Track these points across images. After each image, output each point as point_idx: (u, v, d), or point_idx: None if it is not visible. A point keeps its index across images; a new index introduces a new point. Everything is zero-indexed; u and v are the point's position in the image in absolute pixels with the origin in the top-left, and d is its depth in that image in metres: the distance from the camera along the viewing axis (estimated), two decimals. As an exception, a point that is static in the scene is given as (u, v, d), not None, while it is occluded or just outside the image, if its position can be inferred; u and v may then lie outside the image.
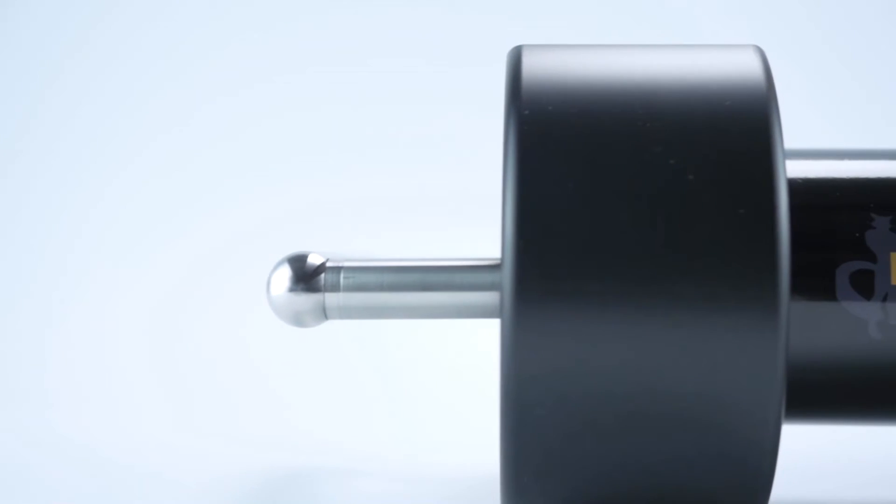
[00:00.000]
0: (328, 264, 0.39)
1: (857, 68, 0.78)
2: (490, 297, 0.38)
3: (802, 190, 0.39)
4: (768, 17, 0.79)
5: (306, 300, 0.38)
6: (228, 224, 0.71)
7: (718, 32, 0.76)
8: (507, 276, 0.35)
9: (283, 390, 0.58)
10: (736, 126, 0.35)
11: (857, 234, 0.38)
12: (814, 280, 0.38)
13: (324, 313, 0.39)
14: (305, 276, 0.38)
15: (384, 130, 0.74)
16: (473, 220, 0.57)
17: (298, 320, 0.39)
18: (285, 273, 0.38)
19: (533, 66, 0.37)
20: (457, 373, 0.59)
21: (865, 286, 0.37)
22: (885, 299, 0.37)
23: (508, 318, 0.35)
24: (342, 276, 0.38)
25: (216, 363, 0.61)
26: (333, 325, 0.43)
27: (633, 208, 0.35)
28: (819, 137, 0.65)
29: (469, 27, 0.77)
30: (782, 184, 0.35)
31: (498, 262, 0.36)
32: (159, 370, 0.61)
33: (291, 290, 0.38)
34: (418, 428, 0.53)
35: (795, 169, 0.39)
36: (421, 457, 0.49)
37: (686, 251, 0.34)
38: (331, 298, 0.38)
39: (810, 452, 0.47)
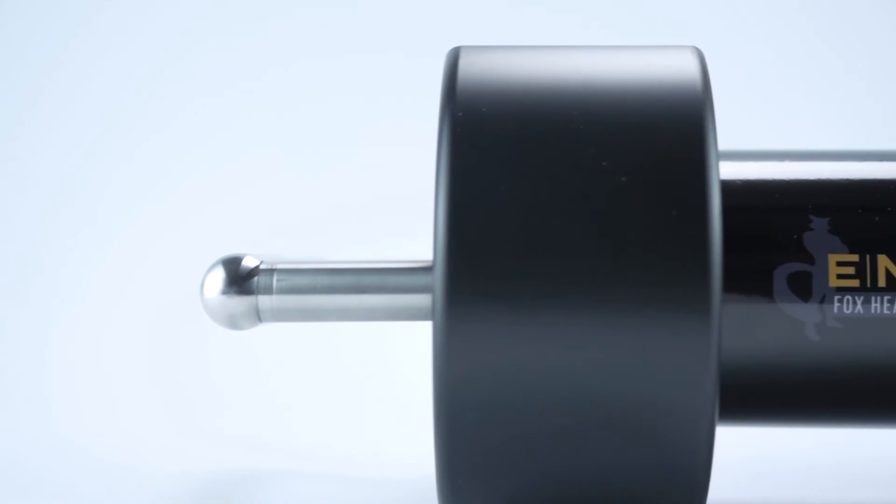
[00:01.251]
0: (262, 266, 0.38)
1: (846, 68, 0.78)
2: (423, 300, 0.38)
3: (741, 191, 0.38)
4: (767, 18, 0.79)
5: (239, 303, 0.38)
6: (227, 226, 0.71)
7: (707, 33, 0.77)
8: (438, 279, 0.34)
9: (276, 391, 0.58)
10: (670, 128, 0.35)
11: (795, 236, 0.38)
12: (751, 282, 0.37)
13: (257, 316, 0.38)
14: (238, 279, 0.38)
15: (352, 133, 0.74)
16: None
17: (232, 323, 0.38)
18: (218, 275, 0.38)
19: (469, 68, 0.37)
20: (417, 372, 0.58)
21: (803, 288, 0.37)
22: (822, 301, 0.37)
23: (440, 320, 0.34)
24: (275, 278, 0.38)
25: (215, 364, 0.61)
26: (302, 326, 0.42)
27: (565, 210, 0.34)
28: (810, 138, 0.65)
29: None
30: (715, 185, 0.35)
31: (431, 264, 0.36)
32: (158, 372, 0.61)
33: (224, 292, 0.38)
34: (367, 429, 0.53)
35: (733, 170, 0.39)
36: (367, 458, 0.49)
37: (618, 253, 0.34)
38: (264, 301, 0.38)
39: (750, 454, 0.47)
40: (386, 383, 0.58)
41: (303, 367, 0.60)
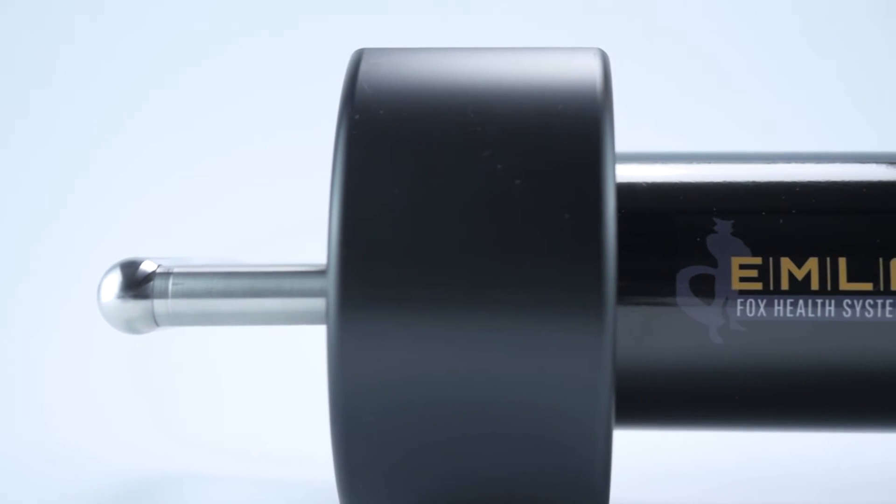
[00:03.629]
0: (158, 270, 0.38)
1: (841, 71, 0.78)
2: (319, 304, 0.37)
3: (644, 194, 0.38)
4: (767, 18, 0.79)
5: (135, 307, 0.37)
6: (223, 228, 0.70)
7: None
8: (331, 282, 0.34)
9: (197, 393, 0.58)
10: (566, 130, 0.35)
11: (698, 239, 0.37)
12: (654, 285, 0.37)
13: (154, 320, 0.38)
14: (135, 283, 0.37)
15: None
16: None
17: (129, 327, 0.38)
18: (115, 279, 0.37)
19: (370, 70, 0.37)
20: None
21: (706, 291, 0.37)
22: (725, 304, 0.37)
23: (333, 324, 0.34)
24: (171, 282, 0.38)
25: (203, 369, 0.61)
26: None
27: (458, 213, 0.34)
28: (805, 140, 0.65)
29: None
30: (609, 188, 0.34)
31: (325, 267, 0.35)
32: (147, 377, 0.61)
33: (120, 296, 0.37)
34: (277, 432, 0.53)
35: (637, 173, 0.39)
36: (275, 461, 0.49)
37: (511, 256, 0.34)
38: (160, 305, 0.38)
39: (658, 456, 0.47)
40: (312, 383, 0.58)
41: (221, 368, 0.60)
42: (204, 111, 0.76)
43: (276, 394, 0.58)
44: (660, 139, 0.70)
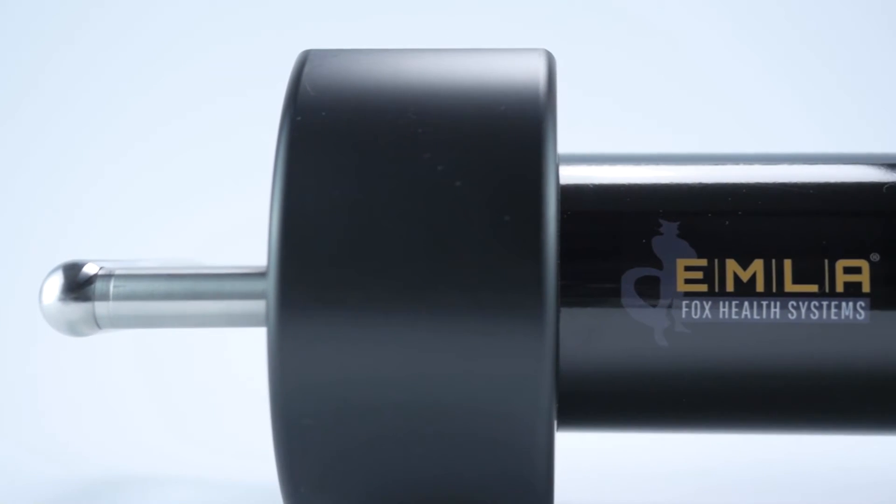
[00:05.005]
0: (100, 272, 0.38)
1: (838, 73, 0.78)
2: (259, 306, 0.37)
3: (590, 196, 0.38)
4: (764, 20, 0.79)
5: (76, 309, 0.37)
6: (219, 229, 0.70)
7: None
8: (271, 285, 0.34)
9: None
10: (508, 131, 0.35)
11: (644, 241, 0.37)
12: (599, 287, 0.37)
13: (96, 322, 0.38)
14: (76, 285, 0.37)
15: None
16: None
17: (72, 329, 0.38)
18: (57, 281, 0.37)
19: (313, 72, 0.37)
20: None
21: (651, 293, 0.37)
22: (670, 306, 0.37)
23: (273, 326, 0.34)
24: (112, 284, 0.37)
25: (204, 372, 0.61)
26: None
27: (398, 216, 0.34)
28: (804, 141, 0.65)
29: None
30: (550, 189, 0.34)
31: (265, 270, 0.35)
32: (149, 378, 0.61)
33: (61, 298, 0.37)
34: (221, 434, 0.53)
35: (583, 174, 0.39)
36: (225, 463, 0.49)
37: (450, 258, 0.34)
38: (101, 307, 0.37)
39: (606, 458, 0.47)
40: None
41: (165, 372, 0.60)
42: (191, 107, 0.76)
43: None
44: (655, 138, 0.70)
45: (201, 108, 0.75)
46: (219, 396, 0.58)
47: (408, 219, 0.34)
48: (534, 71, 0.37)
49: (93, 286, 0.37)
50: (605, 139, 0.70)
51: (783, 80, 0.77)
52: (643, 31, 0.78)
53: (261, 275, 0.37)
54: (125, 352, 0.61)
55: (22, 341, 0.63)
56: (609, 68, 0.77)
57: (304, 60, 0.37)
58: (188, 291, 0.38)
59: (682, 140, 0.72)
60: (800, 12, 0.78)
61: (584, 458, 0.48)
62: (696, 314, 0.37)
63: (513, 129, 0.35)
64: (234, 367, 0.60)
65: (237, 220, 0.68)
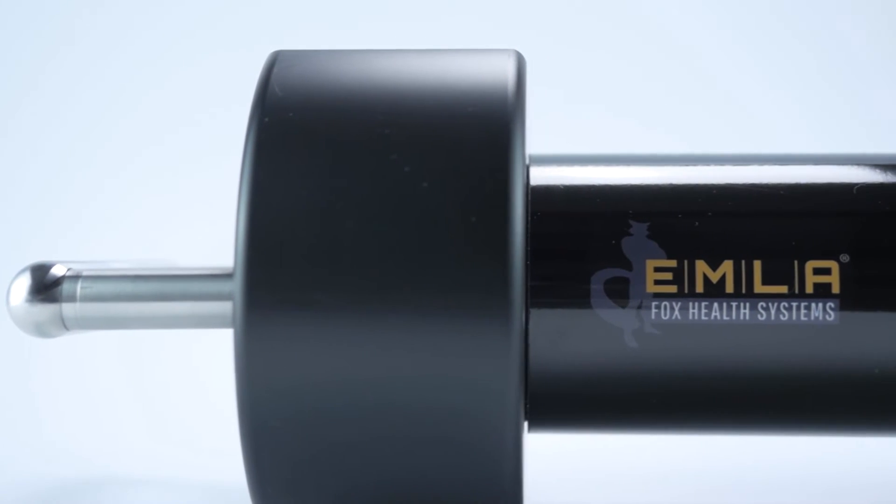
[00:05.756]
0: (67, 273, 0.38)
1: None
2: (226, 307, 0.37)
3: (560, 196, 0.38)
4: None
5: (43, 311, 0.37)
6: (216, 231, 0.70)
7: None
8: (237, 286, 0.34)
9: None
10: (475, 132, 0.35)
11: (614, 242, 0.37)
12: (569, 287, 0.37)
13: (63, 324, 0.38)
14: (43, 286, 0.37)
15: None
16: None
17: (39, 331, 0.38)
18: (24, 282, 0.37)
19: (282, 73, 0.37)
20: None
21: (620, 294, 0.37)
22: (640, 307, 0.37)
23: (239, 327, 0.34)
24: (79, 285, 0.37)
25: (192, 374, 0.61)
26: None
27: (364, 217, 0.34)
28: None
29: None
30: (517, 191, 0.34)
31: (232, 270, 0.35)
32: (137, 379, 0.61)
33: (29, 300, 0.37)
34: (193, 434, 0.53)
35: (553, 175, 0.39)
36: (205, 463, 0.49)
37: (417, 260, 0.34)
38: (68, 309, 0.37)
39: (583, 460, 0.47)
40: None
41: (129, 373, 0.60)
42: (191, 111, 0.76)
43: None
44: (642, 138, 0.70)
45: (173, 107, 0.75)
46: (207, 396, 0.58)
47: (374, 220, 0.34)
48: (502, 72, 0.37)
49: (60, 287, 0.37)
50: (591, 140, 0.70)
51: (774, 79, 0.77)
52: (633, 31, 0.78)
53: (228, 276, 0.37)
54: (108, 350, 0.61)
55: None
56: (595, 69, 0.77)
57: (274, 61, 0.37)
58: (155, 293, 0.38)
59: (670, 141, 0.72)
60: (793, 11, 0.78)
61: (563, 460, 0.48)
62: (665, 315, 0.37)
63: (480, 130, 0.35)
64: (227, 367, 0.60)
65: (212, 220, 0.68)
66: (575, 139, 0.69)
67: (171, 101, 0.76)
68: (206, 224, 0.69)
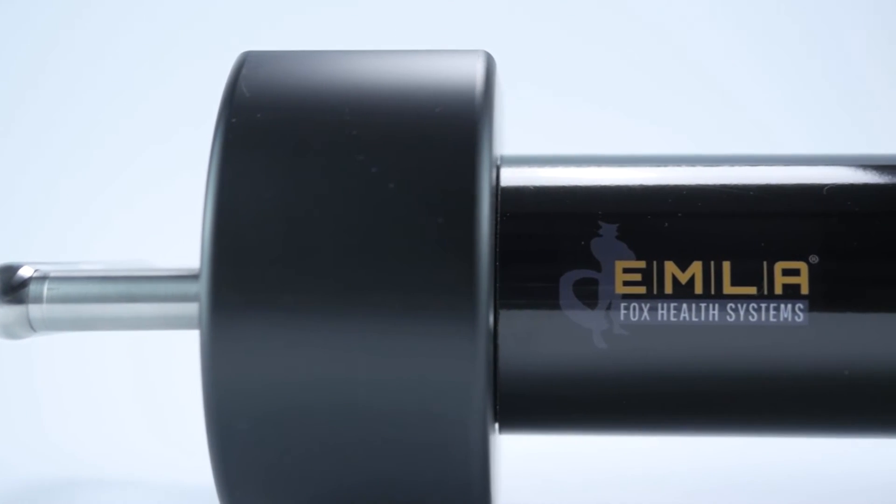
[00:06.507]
0: (35, 275, 0.38)
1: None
2: (192, 308, 0.37)
3: (530, 197, 0.38)
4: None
5: (10, 312, 0.37)
6: (167, 230, 0.69)
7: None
8: (203, 287, 0.34)
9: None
10: (442, 133, 0.35)
11: (583, 243, 0.37)
12: (538, 289, 0.37)
13: (30, 325, 0.37)
14: (10, 288, 0.37)
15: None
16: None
17: (6, 332, 0.37)
18: (-9, 284, 0.37)
19: (250, 74, 0.37)
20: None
21: (589, 295, 0.37)
22: (609, 308, 0.37)
23: (205, 328, 0.34)
24: (46, 287, 0.37)
25: (192, 374, 0.60)
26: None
27: (331, 218, 0.34)
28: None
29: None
30: (484, 192, 0.34)
31: (198, 272, 0.35)
32: (140, 382, 0.61)
33: (-6, 301, 0.37)
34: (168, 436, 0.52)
35: (523, 176, 0.38)
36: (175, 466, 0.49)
37: (384, 261, 0.34)
38: (35, 310, 0.37)
39: (559, 462, 0.47)
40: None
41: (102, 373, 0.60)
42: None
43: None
44: (647, 139, 0.70)
45: (145, 109, 0.75)
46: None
47: (341, 221, 0.34)
48: (471, 73, 0.37)
49: (27, 289, 0.37)
50: (589, 140, 0.70)
51: (774, 79, 0.77)
52: (629, 30, 0.78)
53: (194, 277, 0.37)
54: (108, 350, 0.60)
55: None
56: (593, 68, 0.77)
57: (243, 62, 0.37)
58: (122, 294, 0.37)
59: (667, 140, 0.72)
60: (792, 10, 0.78)
61: (540, 462, 0.48)
62: (634, 316, 0.37)
63: (447, 131, 0.35)
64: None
65: (184, 221, 0.68)
66: (574, 139, 0.69)
67: (169, 100, 0.76)
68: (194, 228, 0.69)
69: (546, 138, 0.61)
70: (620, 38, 0.77)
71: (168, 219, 0.71)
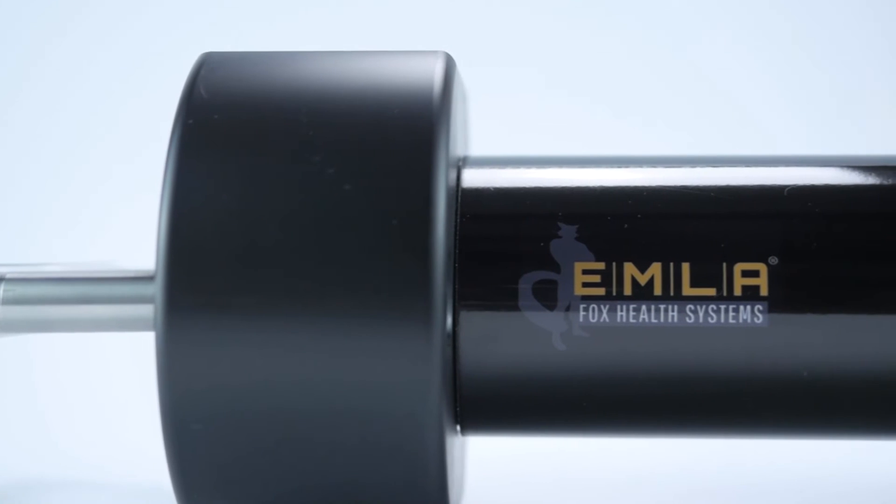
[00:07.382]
0: None
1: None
2: (148, 310, 0.37)
3: (489, 198, 0.38)
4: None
5: None
6: (129, 232, 0.69)
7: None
8: (158, 289, 0.34)
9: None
10: (399, 134, 0.35)
11: (542, 244, 0.37)
12: (497, 290, 0.37)
13: None
14: (-34, 289, 0.37)
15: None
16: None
17: None
18: (-53, 286, 0.37)
19: (209, 75, 0.37)
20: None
21: (548, 296, 0.37)
22: (568, 309, 0.37)
23: (160, 330, 0.34)
24: (2, 288, 0.37)
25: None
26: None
27: (287, 219, 0.34)
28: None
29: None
30: (440, 194, 0.34)
31: (154, 273, 0.35)
32: (140, 383, 0.60)
33: (-48, 303, 0.37)
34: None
35: (483, 177, 0.38)
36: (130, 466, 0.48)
37: (339, 263, 0.34)
38: None
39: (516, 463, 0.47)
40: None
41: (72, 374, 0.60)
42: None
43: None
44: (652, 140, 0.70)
45: (106, 109, 0.75)
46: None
47: (296, 223, 0.34)
48: (429, 74, 0.37)
49: (-16, 290, 0.37)
50: (585, 140, 0.70)
51: (773, 79, 0.77)
52: (624, 28, 0.78)
53: (150, 278, 0.37)
54: (107, 350, 0.60)
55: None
56: (590, 68, 0.77)
57: (202, 63, 0.37)
58: (78, 295, 0.37)
59: (665, 140, 0.72)
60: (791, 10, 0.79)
61: (507, 465, 0.48)
62: (593, 318, 0.37)
63: (404, 132, 0.35)
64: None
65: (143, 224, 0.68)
66: (572, 140, 0.69)
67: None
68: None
69: (535, 139, 0.61)
70: (620, 38, 0.77)
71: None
